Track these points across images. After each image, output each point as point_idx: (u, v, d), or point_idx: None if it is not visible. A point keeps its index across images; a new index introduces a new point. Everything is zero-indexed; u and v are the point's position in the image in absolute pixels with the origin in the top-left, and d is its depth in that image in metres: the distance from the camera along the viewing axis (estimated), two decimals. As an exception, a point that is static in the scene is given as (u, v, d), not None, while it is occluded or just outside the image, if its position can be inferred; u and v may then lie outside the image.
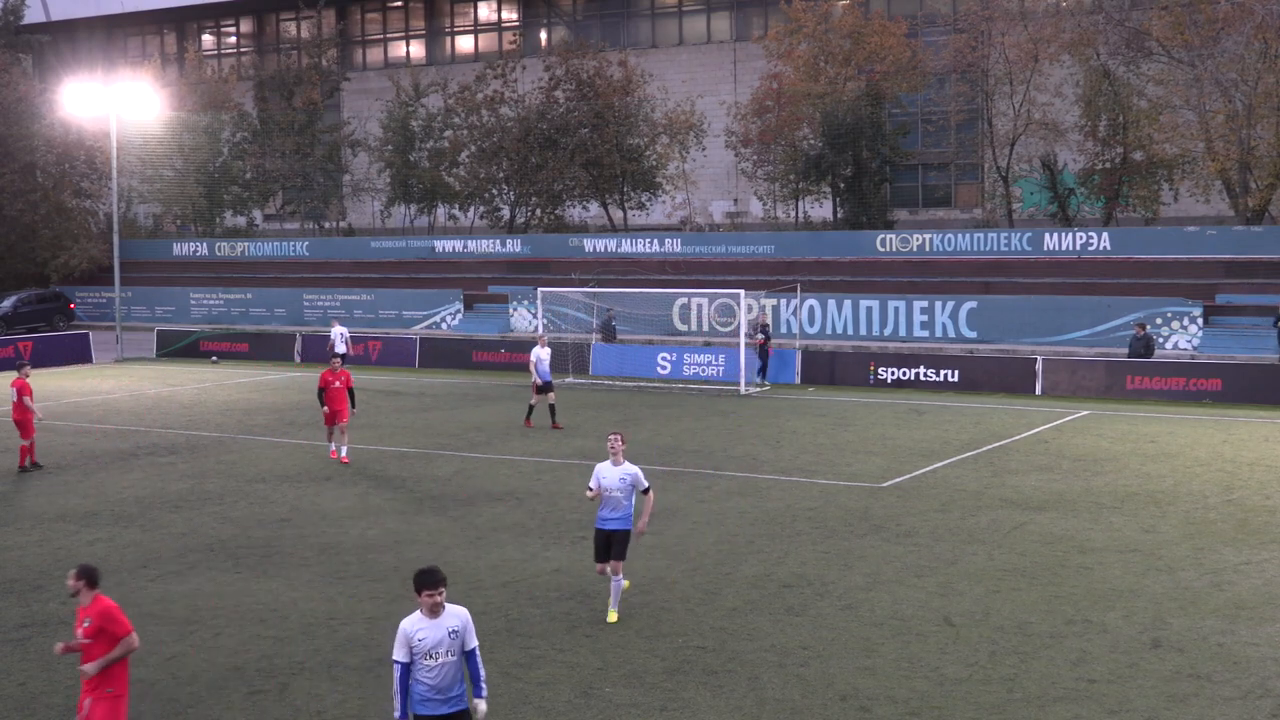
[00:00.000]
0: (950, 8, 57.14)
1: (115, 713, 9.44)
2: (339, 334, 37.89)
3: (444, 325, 51.37)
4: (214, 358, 43.78)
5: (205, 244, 62.97)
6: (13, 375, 24.14)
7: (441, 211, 64.10)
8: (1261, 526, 17.80)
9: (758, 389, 34.05)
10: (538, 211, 59.49)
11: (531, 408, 27.85)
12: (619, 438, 13.86)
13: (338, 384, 23.88)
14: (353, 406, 24.11)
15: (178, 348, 45.49)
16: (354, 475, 22.32)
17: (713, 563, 16.12)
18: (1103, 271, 43.86)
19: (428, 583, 8.87)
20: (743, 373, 33.87)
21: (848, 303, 43.66)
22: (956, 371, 34.10)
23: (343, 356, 37.24)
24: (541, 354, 27.63)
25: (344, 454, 23.66)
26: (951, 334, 42.08)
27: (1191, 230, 44.26)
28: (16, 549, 17.34)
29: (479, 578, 15.54)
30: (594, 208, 60.58)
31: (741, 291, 36.43)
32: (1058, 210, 51.74)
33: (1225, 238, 43.07)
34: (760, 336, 35.53)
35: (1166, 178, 48.69)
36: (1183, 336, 38.72)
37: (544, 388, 27.47)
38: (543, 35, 70.10)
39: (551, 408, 27.59)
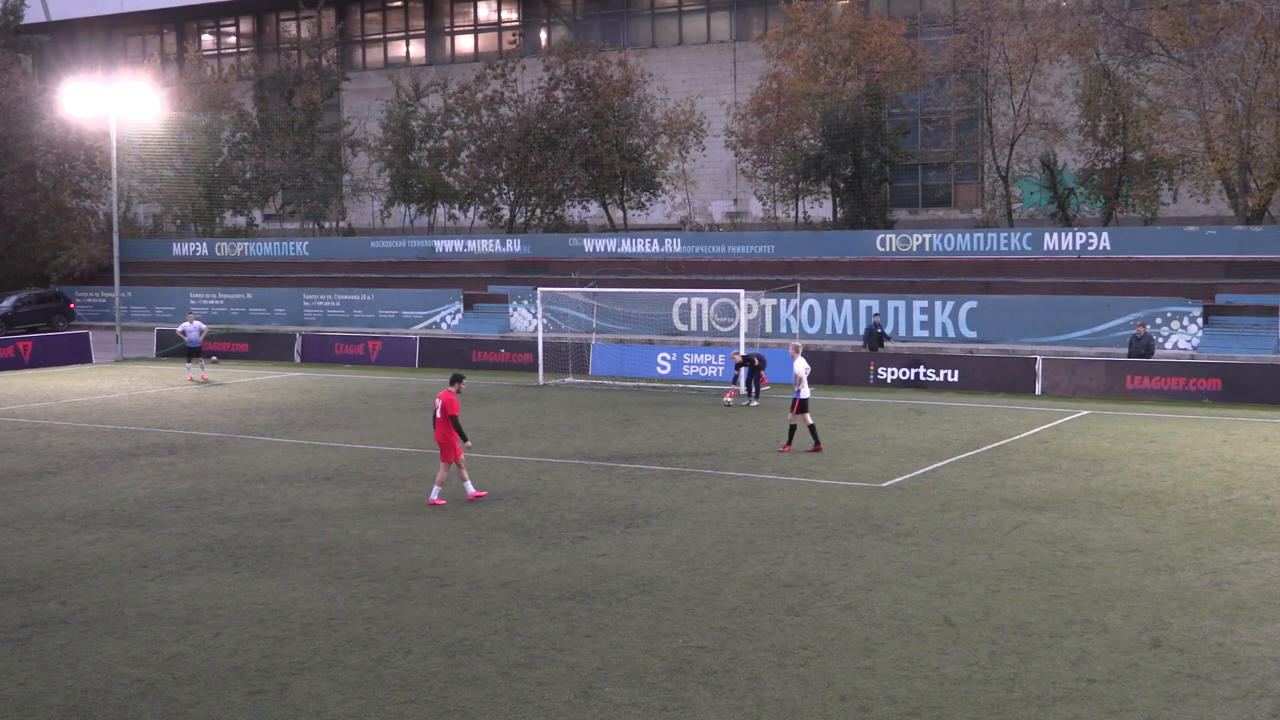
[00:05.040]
0: (950, 8, 57.12)
1: None
2: (195, 328, 38.21)
3: (444, 325, 51.37)
4: (213, 357, 43.75)
5: (205, 244, 62.98)
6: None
7: (441, 211, 64.15)
8: (1261, 526, 17.80)
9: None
10: (537, 211, 59.51)
11: (793, 429, 24.41)
12: None
13: (437, 410, 19.63)
14: (464, 440, 19.59)
15: (178, 348, 45.45)
16: (354, 475, 22.30)
17: (713, 563, 16.12)
18: (1103, 271, 43.86)
19: None
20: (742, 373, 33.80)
21: (848, 303, 43.67)
22: (956, 371, 34.10)
23: (194, 351, 37.72)
24: (799, 368, 24.11)
25: (471, 490, 19.94)
26: (951, 334, 42.08)
27: (1191, 230, 44.26)
28: (16, 549, 17.33)
29: (479, 578, 15.53)
30: (594, 208, 60.61)
31: (741, 291, 36.44)
32: (1058, 210, 51.76)
33: (1225, 238, 43.08)
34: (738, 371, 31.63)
35: (1166, 178, 48.70)
36: (1183, 336, 38.74)
37: (802, 406, 24.06)
38: (543, 35, 70.11)
39: (812, 428, 24.13)
